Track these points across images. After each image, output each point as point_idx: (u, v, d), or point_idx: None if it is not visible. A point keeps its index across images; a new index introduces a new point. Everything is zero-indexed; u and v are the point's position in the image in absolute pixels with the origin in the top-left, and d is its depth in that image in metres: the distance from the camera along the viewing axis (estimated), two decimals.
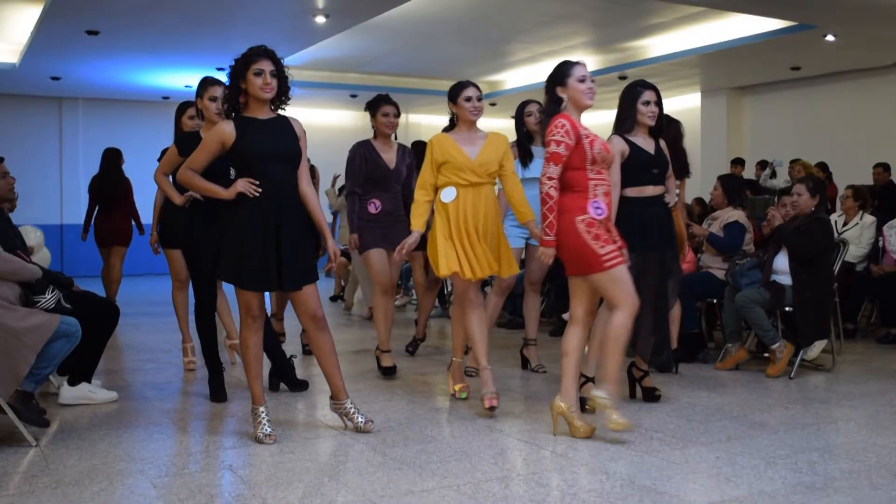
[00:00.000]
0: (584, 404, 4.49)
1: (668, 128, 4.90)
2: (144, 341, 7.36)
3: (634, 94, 4.51)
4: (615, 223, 4.41)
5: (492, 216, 4.50)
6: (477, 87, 4.66)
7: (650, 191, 4.52)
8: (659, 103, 4.52)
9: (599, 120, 15.33)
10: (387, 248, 5.39)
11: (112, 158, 9.06)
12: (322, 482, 3.31)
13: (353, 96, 14.38)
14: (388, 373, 5.41)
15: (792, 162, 9.87)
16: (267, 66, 3.81)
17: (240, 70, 3.82)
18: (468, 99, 4.56)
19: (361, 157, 5.47)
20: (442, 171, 4.51)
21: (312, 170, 6.24)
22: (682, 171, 5.32)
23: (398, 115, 5.51)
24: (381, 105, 5.47)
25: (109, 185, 8.85)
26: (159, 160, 5.03)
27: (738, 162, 12.33)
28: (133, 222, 9.07)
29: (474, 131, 4.61)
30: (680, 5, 9.36)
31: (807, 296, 5.47)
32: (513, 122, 5.63)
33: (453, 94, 4.64)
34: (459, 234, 4.42)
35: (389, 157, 5.50)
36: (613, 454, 3.69)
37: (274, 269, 3.81)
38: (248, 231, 3.80)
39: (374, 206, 5.45)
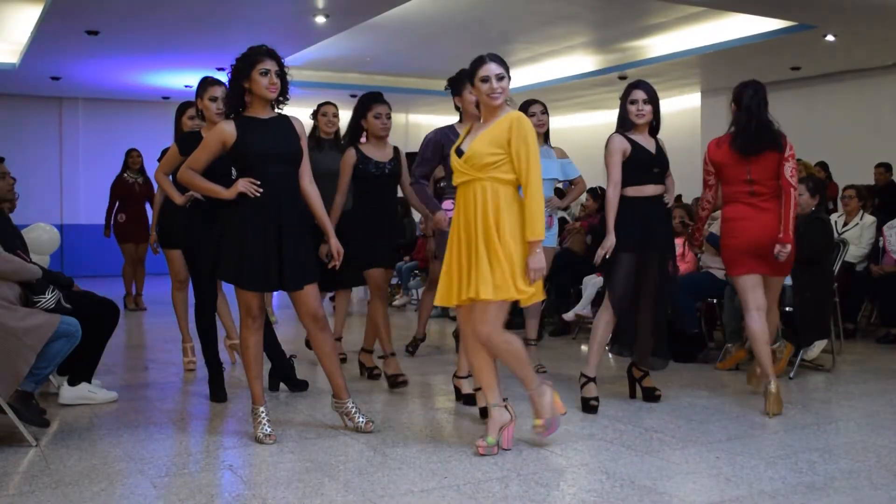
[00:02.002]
0: (585, 404, 4.50)
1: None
2: (144, 341, 7.37)
3: (625, 94, 4.54)
4: (616, 223, 4.42)
5: (493, 220, 3.61)
6: (499, 61, 3.71)
7: (650, 190, 4.52)
8: (649, 102, 4.50)
9: (600, 120, 15.39)
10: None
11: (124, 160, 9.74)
12: (322, 482, 3.31)
13: (353, 96, 14.30)
14: (470, 401, 4.59)
15: None
16: (272, 66, 3.82)
17: (244, 70, 3.82)
18: (484, 80, 3.69)
19: (437, 144, 4.60)
20: None
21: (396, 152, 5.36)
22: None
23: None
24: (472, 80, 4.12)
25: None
26: (159, 160, 5.03)
27: None
28: (143, 222, 9.62)
29: (493, 119, 3.73)
30: (680, 5, 9.35)
31: (807, 296, 5.47)
32: None
33: (470, 74, 3.77)
34: (450, 250, 3.78)
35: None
36: (613, 454, 3.69)
37: (275, 269, 3.81)
38: (248, 231, 3.80)
39: (449, 206, 4.45)
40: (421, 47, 11.84)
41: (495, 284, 3.57)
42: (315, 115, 5.90)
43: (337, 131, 5.91)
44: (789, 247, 4.45)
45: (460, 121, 4.67)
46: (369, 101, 5.18)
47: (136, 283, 9.65)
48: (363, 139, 5.21)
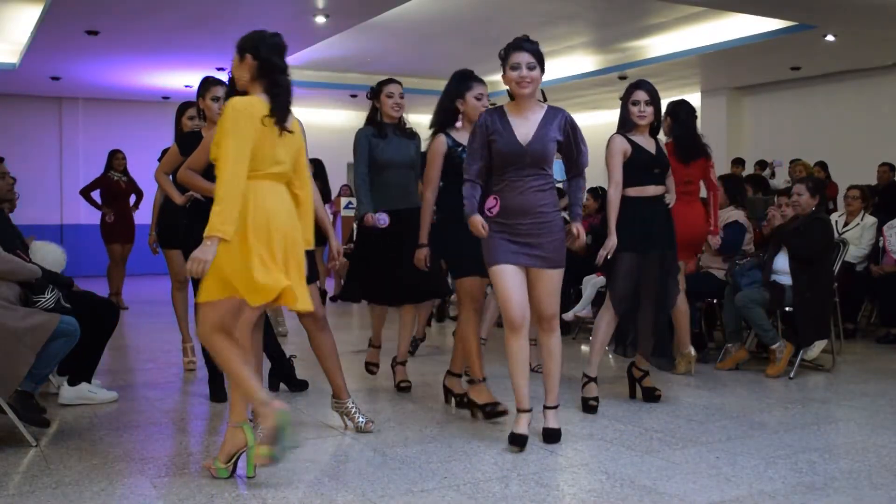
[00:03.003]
0: (585, 404, 4.50)
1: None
2: (144, 341, 7.36)
3: (627, 94, 4.53)
4: (617, 223, 4.43)
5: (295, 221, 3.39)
6: (236, 46, 3.49)
7: (651, 190, 4.52)
8: (651, 103, 4.50)
9: (600, 120, 15.38)
10: (527, 265, 3.84)
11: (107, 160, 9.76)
12: (322, 482, 3.31)
13: (353, 96, 14.37)
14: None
15: (792, 162, 9.87)
16: None
17: None
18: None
19: (486, 129, 3.82)
20: None
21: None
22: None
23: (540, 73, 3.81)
24: (511, 53, 3.77)
25: None
26: (160, 160, 5.03)
27: (738, 162, 12.31)
28: (128, 221, 9.73)
29: None
30: (680, 5, 9.36)
31: (807, 296, 5.47)
32: None
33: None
34: None
35: (525, 128, 3.81)
36: (613, 454, 3.69)
37: None
38: None
39: (491, 204, 3.85)
40: (421, 47, 11.85)
41: (204, 286, 3.25)
42: (377, 94, 5.06)
43: (401, 115, 5.16)
44: (719, 238, 5.75)
45: (512, 100, 3.89)
46: (468, 80, 4.53)
47: (115, 281, 9.67)
48: (458, 124, 4.55)
